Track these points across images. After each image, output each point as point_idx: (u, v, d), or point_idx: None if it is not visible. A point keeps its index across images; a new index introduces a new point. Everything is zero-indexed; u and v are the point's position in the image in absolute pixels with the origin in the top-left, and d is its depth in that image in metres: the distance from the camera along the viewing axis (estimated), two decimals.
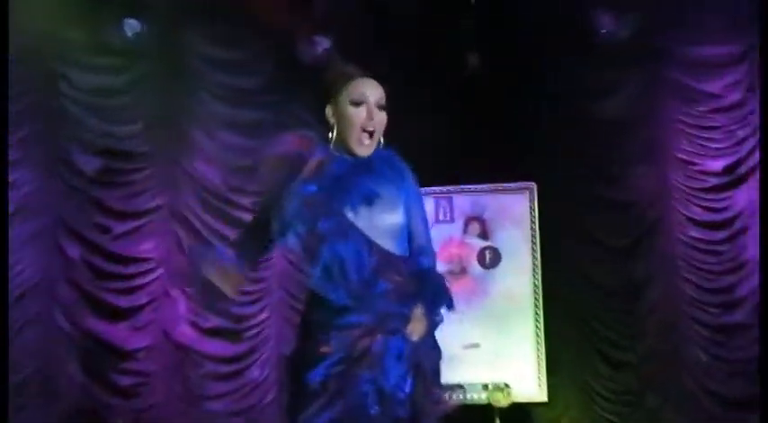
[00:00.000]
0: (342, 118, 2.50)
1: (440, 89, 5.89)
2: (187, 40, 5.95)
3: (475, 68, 5.95)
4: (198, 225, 5.98)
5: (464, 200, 6.16)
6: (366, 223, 2.44)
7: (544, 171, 5.97)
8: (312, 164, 2.46)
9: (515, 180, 6.10)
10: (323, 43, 5.85)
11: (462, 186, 6.16)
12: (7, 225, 5.15)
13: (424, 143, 5.31)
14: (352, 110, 2.49)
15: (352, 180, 2.46)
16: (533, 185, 6.08)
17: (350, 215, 2.43)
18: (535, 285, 5.99)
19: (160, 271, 5.93)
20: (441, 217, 6.14)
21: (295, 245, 2.41)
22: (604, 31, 5.66)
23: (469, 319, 5.88)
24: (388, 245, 2.44)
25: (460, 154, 5.91)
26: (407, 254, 2.49)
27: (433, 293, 2.46)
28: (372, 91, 2.52)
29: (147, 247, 5.90)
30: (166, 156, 5.96)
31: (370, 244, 2.41)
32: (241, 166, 5.93)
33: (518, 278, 6.04)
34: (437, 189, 6.13)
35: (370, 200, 2.45)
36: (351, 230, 2.41)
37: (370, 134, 2.49)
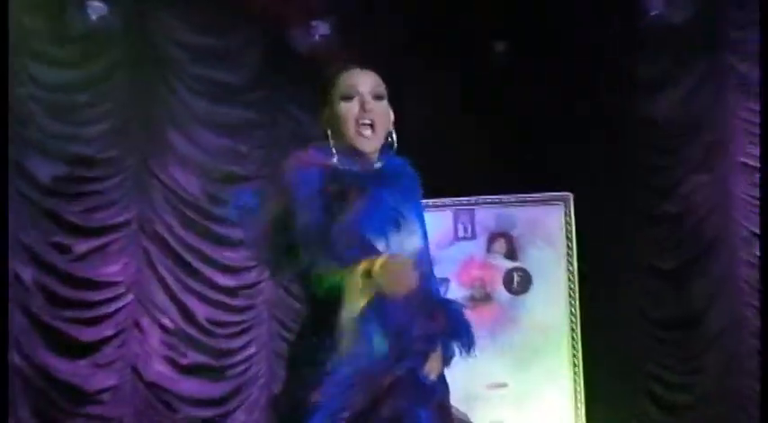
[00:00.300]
0: (335, 119, 2.51)
1: (458, 83, 5.88)
2: (161, 25, 5.92)
3: (500, 59, 5.99)
4: (174, 243, 5.91)
5: (488, 213, 6.10)
6: (396, 248, 2.42)
7: (583, 179, 5.91)
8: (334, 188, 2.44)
9: (549, 190, 6.01)
10: (320, 29, 5.83)
11: (486, 197, 6.10)
12: None
13: (440, 146, 5.54)
14: (343, 106, 2.51)
15: (375, 200, 2.44)
16: (570, 196, 5.97)
17: (381, 246, 2.40)
18: (572, 314, 5.93)
19: (129, 297, 5.85)
20: (461, 233, 6.06)
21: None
22: (654, 13, 5.64)
23: (495, 353, 5.83)
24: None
25: (483, 159, 5.85)
26: (429, 284, 2.49)
27: (451, 328, 2.46)
28: (364, 80, 2.53)
29: (113, 270, 5.82)
30: (137, 161, 5.88)
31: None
32: (225, 174, 5.83)
33: (552, 305, 5.97)
34: (456, 200, 6.03)
35: (397, 223, 2.46)
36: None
37: (371, 127, 2.50)
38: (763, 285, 5.01)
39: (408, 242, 2.47)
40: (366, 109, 2.50)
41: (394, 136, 2.55)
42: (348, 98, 2.52)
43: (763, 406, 5.07)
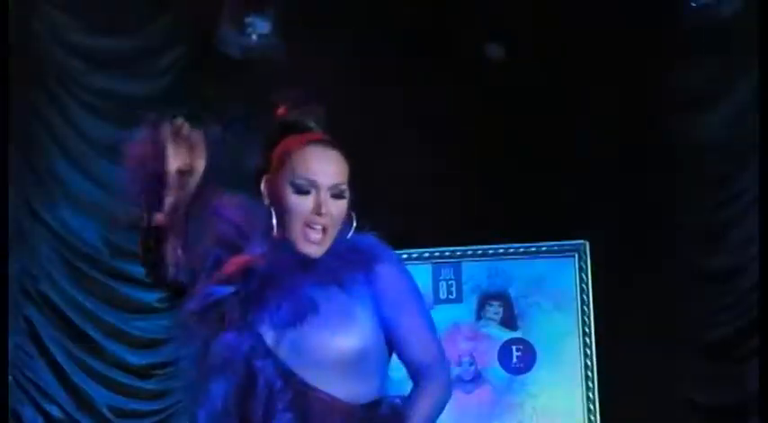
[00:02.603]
0: (279, 203, 2.56)
1: (439, 99, 5.81)
2: (46, 22, 5.83)
3: (494, 64, 5.91)
4: (65, 308, 5.77)
5: (478, 268, 6.04)
6: (293, 349, 2.48)
7: (601, 223, 5.79)
8: (239, 260, 2.56)
9: (558, 237, 5.91)
10: (258, 26, 5.69)
11: (475, 247, 6.02)
12: None
13: (417, 180, 5.48)
14: (293, 199, 2.54)
15: (281, 282, 2.52)
16: (585, 245, 5.87)
17: (269, 336, 2.49)
18: (589, 399, 5.82)
19: (6, 380, 5.55)
20: (442, 294, 6.01)
21: (192, 362, 2.55)
22: (694, 4, 5.57)
23: None
24: (330, 382, 2.47)
25: (472, 198, 5.75)
26: (376, 394, 2.52)
27: None
28: (326, 171, 2.56)
29: None
30: (15, 201, 5.67)
31: (288, 378, 2.47)
32: (132, 218, 5.49)
33: (562, 389, 5.91)
34: (436, 251, 5.92)
35: (302, 316, 2.48)
36: (264, 357, 2.48)
37: (323, 230, 2.56)
38: (763, 285, 4.96)
39: (320, 342, 2.46)
40: (321, 212, 2.53)
41: (353, 221, 2.59)
42: (301, 193, 2.53)
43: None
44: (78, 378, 5.62)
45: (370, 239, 2.61)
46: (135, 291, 5.70)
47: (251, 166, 2.75)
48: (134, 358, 5.68)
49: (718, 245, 5.73)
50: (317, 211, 2.53)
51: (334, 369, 2.48)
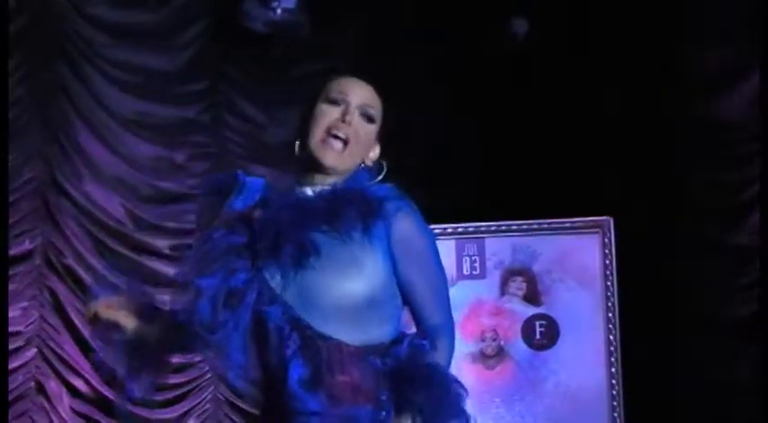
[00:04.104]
0: (309, 121, 2.63)
1: (464, 74, 5.87)
2: None
3: (520, 41, 5.97)
4: (89, 280, 5.70)
5: (502, 243, 5.95)
6: (298, 293, 2.53)
7: (626, 200, 5.83)
8: (242, 210, 2.60)
9: (582, 214, 5.84)
10: (283, 1, 5.74)
11: (499, 223, 5.96)
12: None
13: (440, 156, 5.63)
14: (322, 108, 2.63)
15: (285, 223, 2.54)
16: (610, 221, 5.77)
17: (275, 281, 2.53)
18: (612, 376, 5.73)
19: (30, 353, 5.74)
20: (466, 270, 5.92)
21: (205, 314, 2.52)
22: None
23: None
24: (337, 328, 2.51)
25: (496, 173, 5.77)
26: (386, 340, 2.57)
27: (429, 403, 2.51)
28: (356, 91, 2.65)
29: (10, 316, 5.62)
30: (40, 175, 5.80)
31: (295, 322, 2.51)
32: (155, 191, 5.79)
33: (586, 364, 5.80)
34: (460, 227, 5.87)
35: (304, 257, 2.51)
36: (270, 302, 2.52)
37: (344, 143, 2.60)
38: (763, 285, 4.99)
39: (324, 285, 2.51)
40: (345, 120, 2.59)
41: (384, 165, 2.66)
42: (332, 102, 2.64)
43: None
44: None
45: (389, 189, 2.61)
46: (159, 264, 5.73)
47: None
48: None
49: (742, 224, 5.64)
50: (343, 118, 2.59)
51: (341, 314, 2.51)
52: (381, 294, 2.56)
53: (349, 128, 2.59)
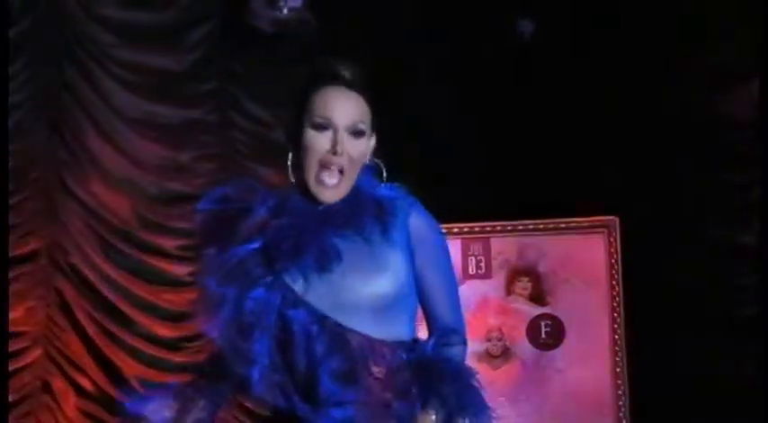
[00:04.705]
0: (298, 143, 2.57)
1: (470, 73, 5.85)
2: None
3: (526, 41, 5.99)
4: (96, 281, 5.75)
5: (508, 243, 6.05)
6: (323, 294, 2.53)
7: (633, 199, 5.86)
8: (257, 219, 2.58)
9: (588, 214, 5.95)
10: (290, 1, 5.68)
11: (505, 223, 6.03)
12: None
13: (447, 156, 5.57)
14: (310, 136, 2.55)
15: (304, 230, 2.54)
16: (615, 221, 5.81)
17: (298, 285, 2.53)
18: (617, 375, 5.83)
19: (36, 352, 5.73)
20: (472, 269, 5.97)
21: (228, 324, 2.52)
22: None
23: None
24: (365, 325, 2.52)
25: (502, 173, 5.88)
26: (409, 337, 2.59)
27: (455, 396, 2.51)
28: (342, 110, 2.56)
29: (14, 317, 5.61)
30: (46, 175, 5.80)
31: (322, 321, 2.52)
32: (162, 192, 5.77)
33: (591, 364, 5.90)
34: (465, 226, 5.91)
35: (327, 261, 2.52)
36: (294, 305, 2.53)
37: (340, 172, 2.56)
38: (763, 285, 5.02)
39: (351, 287, 2.51)
40: (337, 151, 2.52)
41: (382, 167, 2.62)
42: (318, 128, 2.54)
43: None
44: (108, 350, 5.61)
45: (396, 188, 2.61)
46: (166, 264, 5.74)
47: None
48: (164, 331, 5.68)
49: (748, 223, 5.62)
50: (333, 149, 2.52)
51: (367, 312, 2.52)
52: (405, 291, 2.57)
53: (342, 157, 2.54)
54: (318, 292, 2.52)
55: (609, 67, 5.75)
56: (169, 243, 5.77)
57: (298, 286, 2.52)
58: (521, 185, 5.81)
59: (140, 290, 5.79)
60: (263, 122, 5.74)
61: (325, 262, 2.51)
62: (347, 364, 2.48)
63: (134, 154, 5.82)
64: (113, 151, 5.81)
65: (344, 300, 2.52)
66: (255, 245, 2.53)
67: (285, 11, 5.71)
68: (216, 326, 2.53)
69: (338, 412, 2.47)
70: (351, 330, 2.51)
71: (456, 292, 2.68)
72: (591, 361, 5.86)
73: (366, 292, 2.53)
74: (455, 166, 5.59)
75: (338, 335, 2.50)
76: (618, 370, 5.80)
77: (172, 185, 5.79)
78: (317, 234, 2.53)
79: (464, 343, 2.64)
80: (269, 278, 2.52)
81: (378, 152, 2.63)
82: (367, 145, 2.60)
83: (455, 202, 5.45)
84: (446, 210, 4.79)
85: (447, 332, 2.60)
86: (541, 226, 5.95)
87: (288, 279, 2.51)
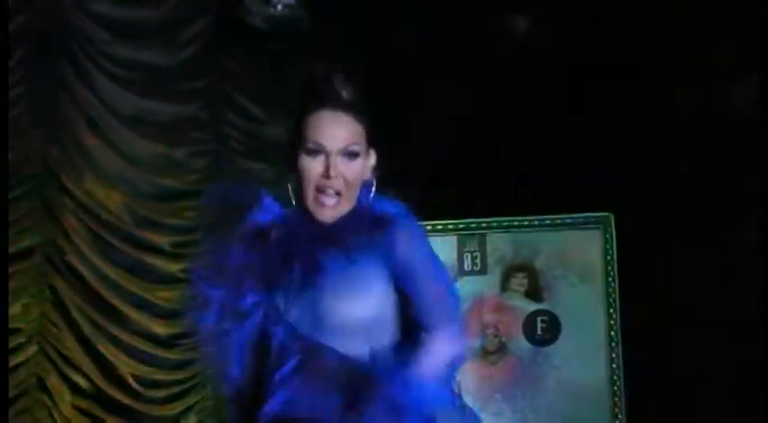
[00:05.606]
0: (297, 174, 2.62)
1: (464, 69, 5.88)
2: None
3: (521, 38, 5.96)
4: (90, 278, 5.77)
5: (503, 239, 6.01)
6: (304, 313, 2.56)
7: (629, 195, 5.81)
8: (258, 225, 2.64)
9: (583, 209, 5.91)
10: None
11: (501, 219, 6.01)
12: None
13: (442, 152, 5.54)
14: (304, 161, 2.59)
15: (297, 244, 2.58)
16: (610, 217, 5.81)
17: (281, 302, 2.57)
18: (613, 372, 5.80)
19: (31, 349, 5.73)
20: (467, 265, 5.94)
21: (209, 324, 2.59)
22: None
23: (513, 422, 5.85)
24: (344, 348, 2.53)
25: (497, 168, 5.85)
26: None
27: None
28: (334, 134, 2.58)
29: (9, 313, 5.58)
30: (40, 172, 5.79)
31: (299, 342, 2.54)
32: (156, 188, 5.78)
33: (587, 360, 5.87)
34: (461, 222, 5.88)
35: (311, 280, 2.55)
36: (276, 322, 2.56)
37: (337, 193, 2.59)
38: (763, 285, 5.02)
39: (331, 308, 2.53)
40: (330, 175, 2.56)
41: (373, 184, 2.64)
42: (311, 153, 2.59)
43: None
44: (103, 348, 5.63)
45: (393, 207, 2.62)
46: (160, 261, 5.73)
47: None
48: (158, 328, 5.69)
49: (746, 219, 5.59)
50: (327, 174, 2.55)
51: (344, 334, 2.52)
52: (383, 314, 2.58)
53: (336, 180, 2.56)
54: (299, 312, 2.55)
55: (606, 65, 5.72)
56: (163, 240, 5.78)
57: (281, 303, 2.55)
58: (517, 181, 5.77)
59: (135, 287, 5.79)
60: (256, 119, 5.73)
61: (309, 278, 2.53)
62: (321, 383, 2.49)
63: (127, 150, 5.80)
64: (107, 148, 5.80)
65: (323, 321, 2.53)
66: (252, 256, 2.57)
67: (279, 7, 5.70)
68: (199, 326, 2.58)
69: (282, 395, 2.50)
70: (326, 348, 2.51)
71: (453, 298, 2.65)
72: (587, 357, 5.85)
73: (347, 314, 2.53)
74: (451, 163, 5.58)
75: (313, 352, 2.50)
76: (614, 366, 5.78)
77: (165, 182, 5.80)
78: (306, 249, 2.55)
79: (454, 332, 2.59)
80: (257, 292, 2.55)
81: (378, 161, 2.64)
82: (363, 165, 2.61)
83: (451, 198, 5.48)
84: (442, 206, 4.81)
85: (427, 331, 2.58)
86: (537, 222, 5.95)
87: (275, 295, 2.55)
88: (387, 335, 2.58)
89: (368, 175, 2.63)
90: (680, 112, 5.76)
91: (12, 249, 5.64)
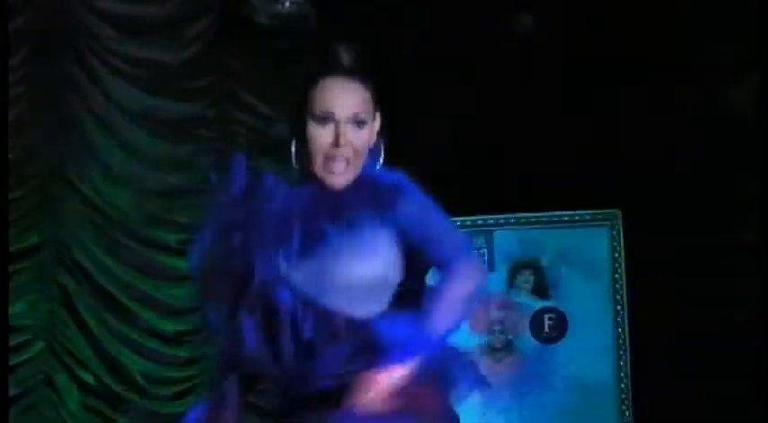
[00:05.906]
0: (304, 143, 2.61)
1: (471, 66, 5.87)
2: None
3: (527, 35, 5.97)
4: (98, 276, 5.75)
5: (510, 237, 6.05)
6: (306, 278, 2.55)
7: (636, 192, 5.80)
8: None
9: (590, 206, 5.94)
10: None
11: (507, 216, 6.06)
12: None
13: (448, 149, 5.58)
14: (313, 129, 2.58)
15: (295, 215, 2.58)
16: (618, 214, 5.84)
17: (282, 267, 2.56)
18: (620, 369, 5.86)
19: (38, 347, 5.72)
20: None
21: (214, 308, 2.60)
22: None
23: (520, 419, 5.87)
24: (350, 308, 2.54)
25: (503, 166, 5.85)
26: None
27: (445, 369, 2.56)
28: (343, 101, 2.59)
29: (16, 311, 5.61)
30: (47, 169, 5.77)
31: (307, 306, 2.54)
32: (162, 186, 5.79)
33: (594, 358, 5.91)
34: (469, 220, 5.91)
35: (311, 244, 2.56)
36: (279, 286, 2.55)
37: (346, 160, 2.59)
38: (763, 284, 5.01)
39: (336, 269, 2.52)
40: (340, 143, 2.56)
41: (381, 159, 2.65)
42: (319, 121, 2.58)
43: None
44: (111, 345, 5.64)
45: (396, 176, 2.62)
46: (168, 258, 5.74)
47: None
48: (167, 325, 5.71)
49: (751, 217, 5.58)
50: (336, 142, 2.56)
51: (350, 295, 2.52)
52: (393, 276, 2.58)
53: (345, 148, 2.57)
54: (303, 276, 2.54)
55: (609, 64, 5.71)
56: (170, 237, 5.75)
57: (282, 269, 2.54)
58: (523, 178, 5.76)
59: (142, 284, 5.78)
60: (261, 116, 5.73)
61: (313, 248, 2.53)
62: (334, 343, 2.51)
63: (134, 147, 5.80)
64: (114, 145, 5.79)
65: (327, 283, 2.53)
66: (239, 211, 2.57)
67: (287, 4, 5.68)
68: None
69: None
70: (335, 312, 2.51)
71: (459, 233, 2.68)
72: (594, 354, 5.89)
73: (352, 275, 2.53)
74: (457, 160, 5.58)
75: (323, 316, 2.51)
76: (621, 363, 5.82)
77: (172, 179, 5.80)
78: (306, 219, 2.56)
79: (474, 263, 2.59)
80: (256, 258, 2.53)
81: (382, 131, 2.65)
82: (370, 132, 2.62)
83: (457, 195, 5.44)
84: (448, 203, 4.79)
85: (447, 267, 2.58)
86: (544, 219, 5.99)
87: (276, 261, 2.53)
88: (390, 295, 2.59)
89: (374, 139, 2.64)
90: (680, 112, 5.73)
91: (19, 246, 5.64)
